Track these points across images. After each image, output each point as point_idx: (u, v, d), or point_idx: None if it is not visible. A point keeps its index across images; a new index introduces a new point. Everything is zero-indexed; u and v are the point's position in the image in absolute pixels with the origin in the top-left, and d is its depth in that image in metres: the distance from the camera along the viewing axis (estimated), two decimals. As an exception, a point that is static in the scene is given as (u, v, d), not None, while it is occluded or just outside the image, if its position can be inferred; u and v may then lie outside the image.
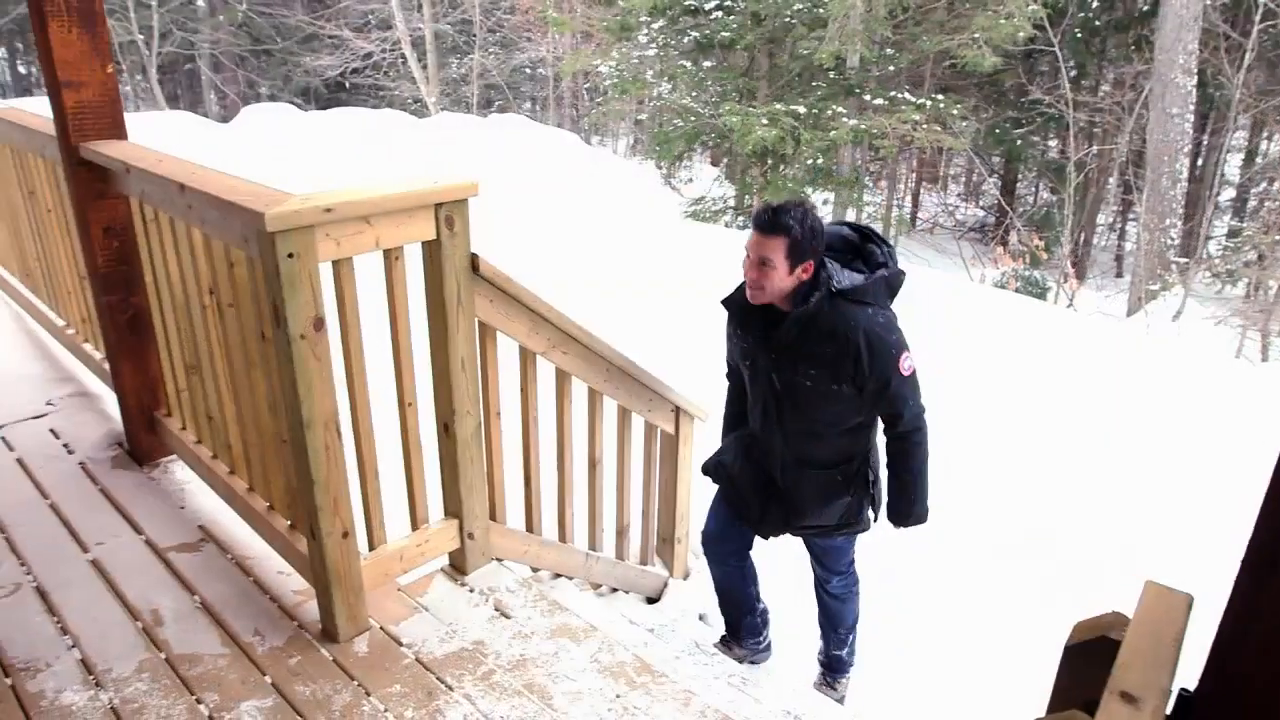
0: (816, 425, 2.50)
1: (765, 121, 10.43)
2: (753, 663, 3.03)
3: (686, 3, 12.12)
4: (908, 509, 2.59)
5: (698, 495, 3.47)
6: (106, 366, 3.17)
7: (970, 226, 18.57)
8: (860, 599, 3.01)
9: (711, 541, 2.91)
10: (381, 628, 2.24)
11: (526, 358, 2.47)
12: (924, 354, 6.08)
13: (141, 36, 19.68)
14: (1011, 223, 14.90)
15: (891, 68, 13.04)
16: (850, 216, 15.81)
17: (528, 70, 22.82)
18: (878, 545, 3.88)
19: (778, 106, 11.01)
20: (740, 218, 14.47)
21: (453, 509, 2.37)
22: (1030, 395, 5.70)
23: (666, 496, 3.40)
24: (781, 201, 2.30)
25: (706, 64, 13.47)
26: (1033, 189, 18.90)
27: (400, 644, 2.19)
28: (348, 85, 21.03)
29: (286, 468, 2.19)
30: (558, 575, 2.91)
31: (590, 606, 2.78)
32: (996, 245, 14.47)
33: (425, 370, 2.22)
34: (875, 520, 2.71)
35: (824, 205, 14.90)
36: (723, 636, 3.07)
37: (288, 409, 1.97)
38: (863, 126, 11.33)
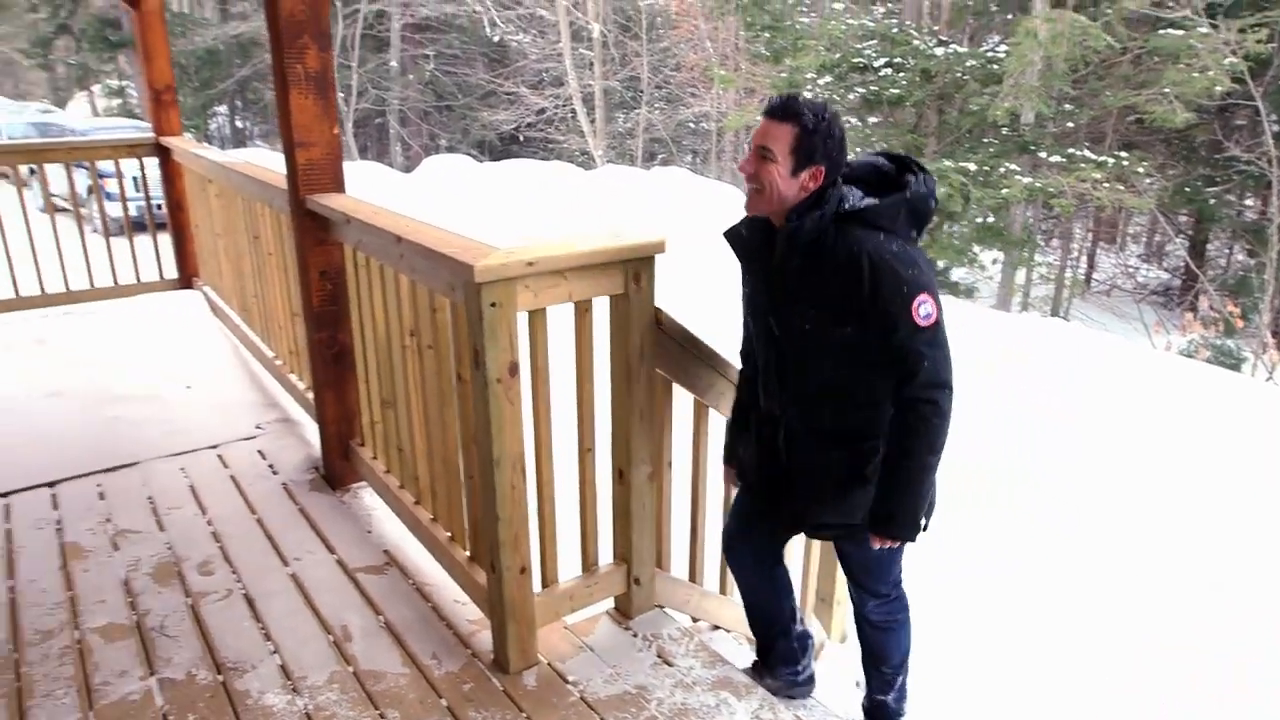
0: (827, 387, 2.04)
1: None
2: (789, 696, 2.54)
3: (855, 60, 12.13)
4: (892, 508, 2.00)
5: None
6: (310, 396, 3.47)
7: (1152, 289, 17.44)
8: (910, 630, 2.48)
9: (731, 541, 2.46)
10: (549, 664, 2.32)
11: (699, 410, 2.53)
12: (1097, 423, 5.94)
13: (341, 95, 21.57)
14: (1201, 287, 13.86)
15: (1070, 124, 12.54)
16: (1020, 276, 15.18)
17: (691, 125, 23.37)
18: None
19: (946, 163, 10.80)
20: (901, 274, 14.13)
21: (622, 554, 2.44)
22: (1220, 475, 5.26)
23: (827, 556, 3.35)
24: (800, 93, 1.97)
25: (872, 120, 13.39)
26: (1226, 251, 17.55)
27: (566, 681, 2.26)
28: (521, 138, 22.22)
29: (471, 502, 2.32)
30: (715, 627, 2.92)
31: (748, 661, 2.76)
32: (1184, 311, 13.49)
33: (604, 418, 2.32)
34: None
35: (993, 264, 14.37)
36: (754, 662, 2.61)
37: (479, 447, 2.10)
38: (1037, 184, 10.92)
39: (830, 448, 2.08)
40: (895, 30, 12.81)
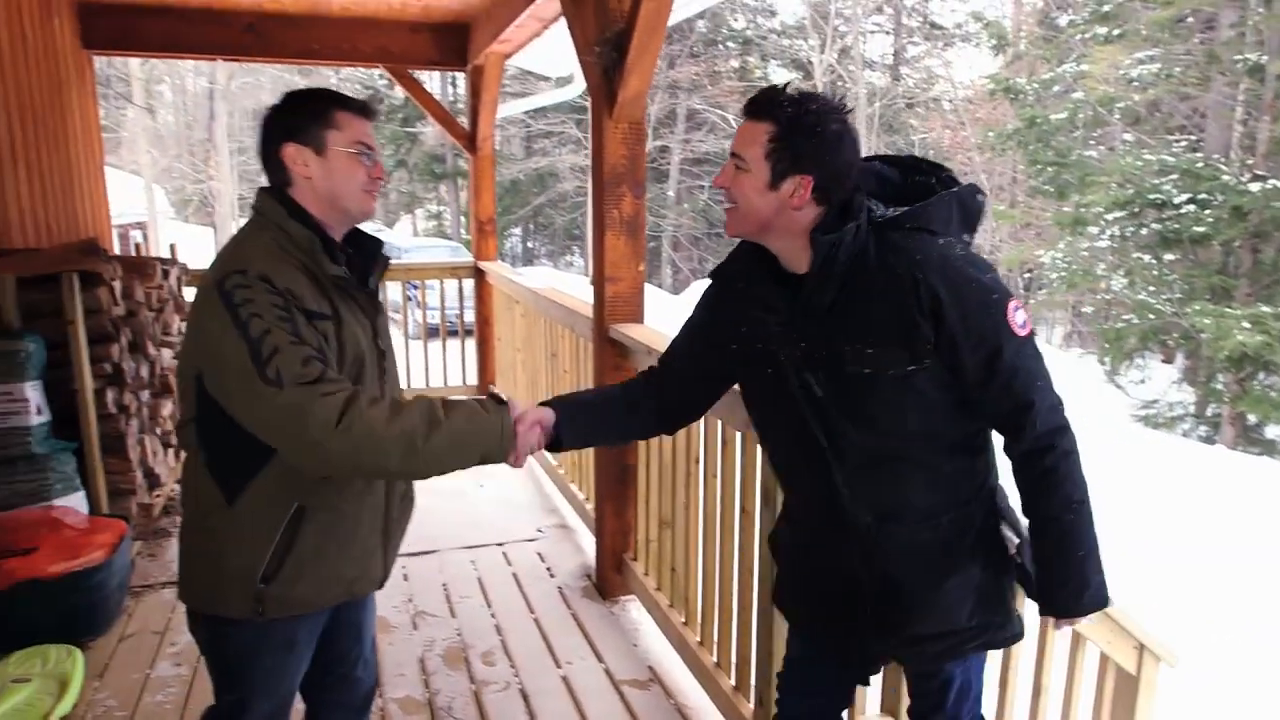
0: (892, 442, 1.52)
1: (1247, 325, 9.21)
2: None
3: (1151, 197, 11.37)
4: (1078, 581, 1.51)
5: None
6: (589, 507, 3.72)
7: None
8: None
9: (789, 672, 1.83)
10: (808, 812, 2.27)
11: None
12: None
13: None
14: None
15: None
16: (1357, 440, 13.04)
17: (960, 256, 22.82)
18: None
19: (1264, 309, 9.69)
20: (1202, 426, 12.69)
21: (890, 707, 2.36)
22: None
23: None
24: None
25: (1169, 258, 12.37)
26: None
27: (825, 835, 2.20)
28: (784, 265, 22.76)
29: (741, 632, 2.37)
30: (984, 805, 2.70)
31: None
32: None
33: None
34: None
35: (1320, 424, 12.51)
36: None
37: (758, 581, 2.16)
38: (1383, 337, 9.48)
39: (915, 526, 1.55)
40: (1200, 165, 11.90)
